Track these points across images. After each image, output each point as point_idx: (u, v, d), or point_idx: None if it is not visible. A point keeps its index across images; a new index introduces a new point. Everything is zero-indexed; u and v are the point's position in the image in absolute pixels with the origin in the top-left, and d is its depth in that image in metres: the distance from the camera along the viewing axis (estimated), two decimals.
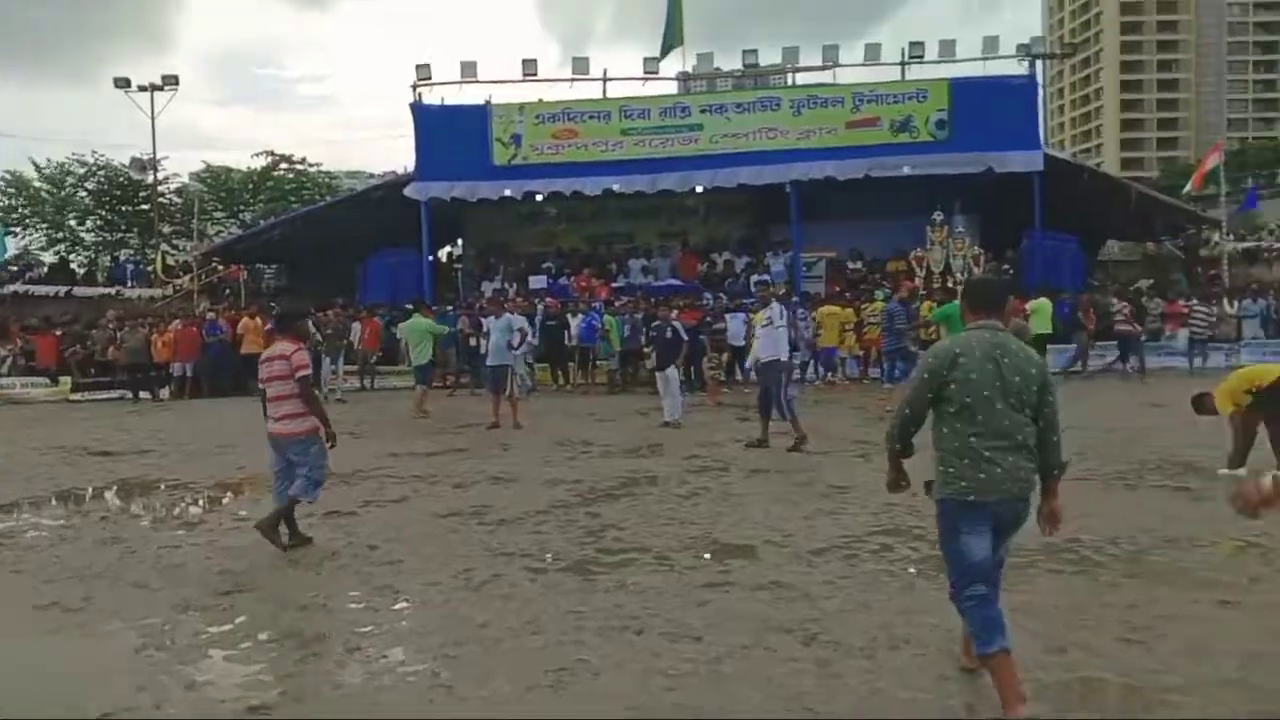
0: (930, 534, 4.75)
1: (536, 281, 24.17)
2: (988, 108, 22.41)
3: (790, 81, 25.65)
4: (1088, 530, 6.65)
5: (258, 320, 19.59)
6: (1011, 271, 22.57)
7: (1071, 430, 11.31)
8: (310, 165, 51.42)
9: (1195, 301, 19.36)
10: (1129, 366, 19.22)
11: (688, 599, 5.42)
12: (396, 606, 5.53)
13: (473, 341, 18.43)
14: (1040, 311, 18.66)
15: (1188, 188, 27.74)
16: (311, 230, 26.58)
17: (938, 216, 20.33)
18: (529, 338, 15.09)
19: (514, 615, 5.21)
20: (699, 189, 24.42)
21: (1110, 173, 44.20)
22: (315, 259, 27.50)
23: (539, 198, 25.03)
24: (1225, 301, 21.14)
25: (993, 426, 3.75)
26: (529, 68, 24.35)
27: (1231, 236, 27.20)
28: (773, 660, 4.45)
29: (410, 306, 18.85)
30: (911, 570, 5.83)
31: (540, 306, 20.81)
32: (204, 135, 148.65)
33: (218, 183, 46.94)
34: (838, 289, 22.26)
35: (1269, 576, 5.55)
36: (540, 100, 24.56)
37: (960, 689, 4.06)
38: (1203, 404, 8.61)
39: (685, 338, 14.31)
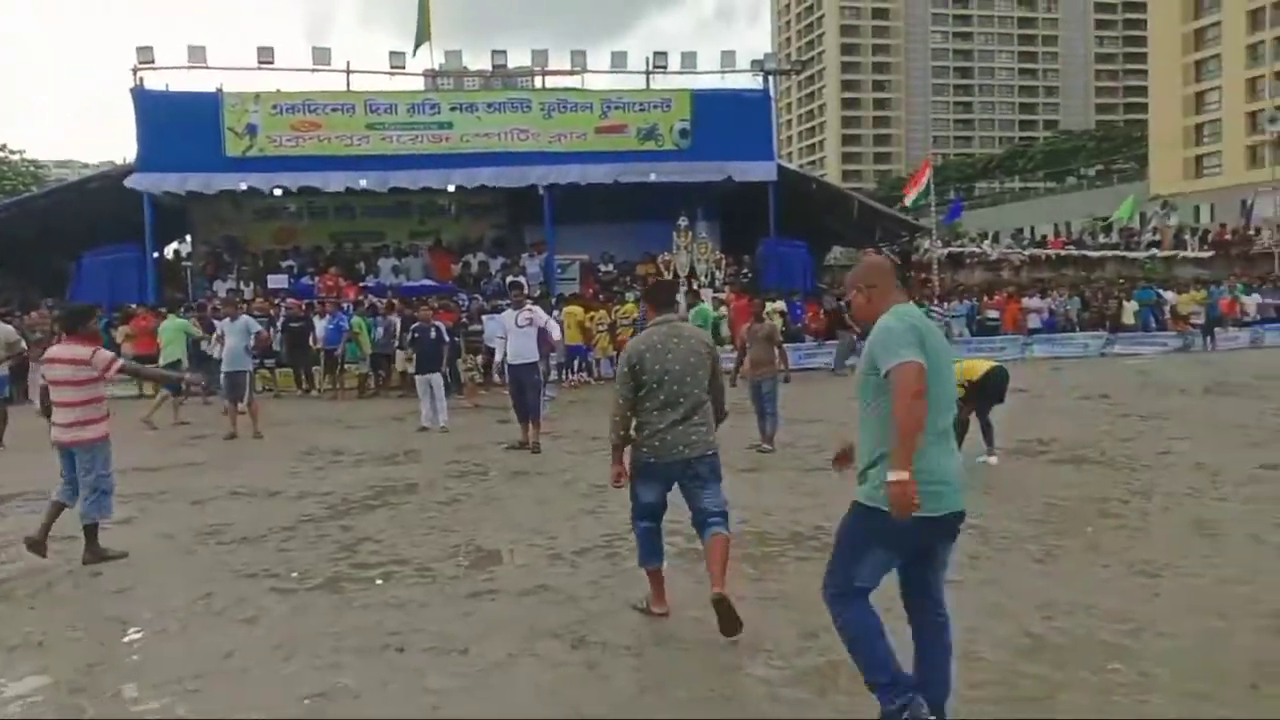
0: (688, 529, 4.92)
1: (276, 281, 22.77)
2: (727, 119, 23.42)
3: (541, 84, 25.75)
4: (830, 518, 7.09)
5: None
6: (750, 274, 23.83)
7: (812, 424, 12.23)
8: (13, 153, 46.38)
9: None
10: None
11: (451, 610, 5.29)
12: (127, 639, 5.03)
13: (204, 346, 17.15)
14: (771, 314, 19.83)
15: (910, 199, 30.08)
16: (15, 225, 23.65)
17: (682, 222, 21.16)
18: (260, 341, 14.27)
19: (262, 640, 4.88)
20: (451, 188, 24.00)
21: (834, 183, 47.61)
22: (20, 256, 24.52)
23: (277, 192, 23.69)
24: (936, 302, 23.36)
25: (669, 401, 4.72)
26: (265, 55, 22.93)
27: (940, 243, 29.99)
28: (542, 666, 4.42)
29: (135, 307, 17.36)
30: (667, 565, 5.96)
31: (282, 307, 19.76)
32: None
33: None
34: (591, 291, 22.60)
35: (987, 555, 6.14)
36: (278, 90, 23.23)
37: (725, 682, 4.20)
38: None
39: (448, 340, 14.05)
